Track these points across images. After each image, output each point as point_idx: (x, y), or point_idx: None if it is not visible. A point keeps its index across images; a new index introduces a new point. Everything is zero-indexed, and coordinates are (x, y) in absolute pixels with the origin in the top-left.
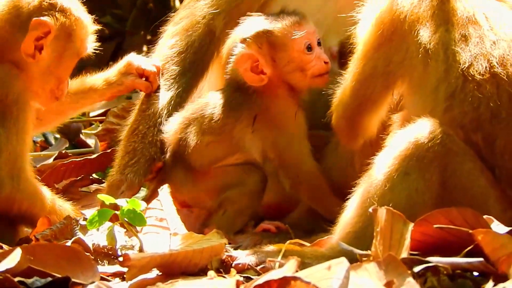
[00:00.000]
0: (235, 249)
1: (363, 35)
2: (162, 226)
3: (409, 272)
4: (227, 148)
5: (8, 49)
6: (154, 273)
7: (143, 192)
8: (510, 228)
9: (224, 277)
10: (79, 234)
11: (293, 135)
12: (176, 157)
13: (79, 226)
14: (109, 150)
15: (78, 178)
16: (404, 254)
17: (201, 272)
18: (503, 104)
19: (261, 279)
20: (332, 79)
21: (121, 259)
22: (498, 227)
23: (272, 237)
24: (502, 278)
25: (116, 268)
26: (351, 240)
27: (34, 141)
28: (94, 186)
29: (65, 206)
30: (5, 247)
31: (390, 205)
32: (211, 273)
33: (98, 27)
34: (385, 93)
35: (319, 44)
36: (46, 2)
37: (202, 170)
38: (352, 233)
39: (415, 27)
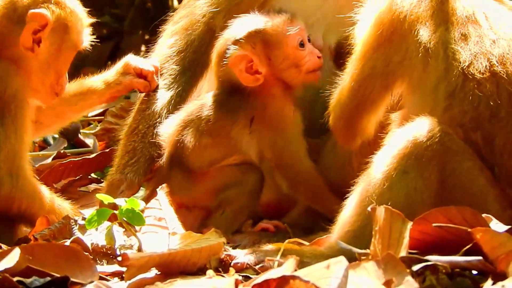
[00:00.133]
0: (234, 248)
1: (362, 35)
2: (161, 225)
3: (408, 270)
4: (225, 150)
5: (6, 45)
6: (153, 272)
7: (142, 192)
8: (509, 227)
9: (223, 276)
10: (78, 234)
11: (290, 135)
12: (173, 160)
13: (77, 226)
14: (107, 150)
15: (76, 178)
16: (403, 253)
17: (200, 271)
18: (503, 103)
19: (260, 278)
20: (332, 78)
21: (120, 258)
22: (497, 226)
23: (270, 236)
24: (501, 276)
25: (115, 267)
26: (350, 239)
27: (33, 141)
28: (93, 186)
29: (64, 206)
30: (4, 247)
31: (389, 204)
32: (210, 272)
33: (93, 19)
34: (384, 94)
35: (309, 40)
36: None
37: (200, 172)
38: (351, 232)
39: (415, 27)
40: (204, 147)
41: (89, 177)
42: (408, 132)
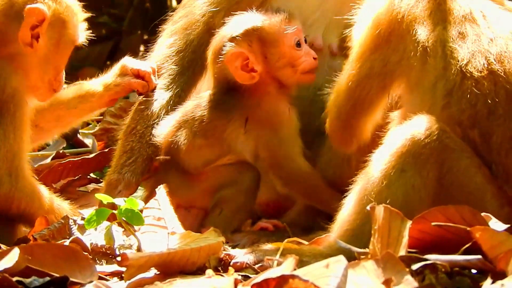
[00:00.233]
0: (233, 247)
1: (359, 36)
2: (160, 225)
3: (407, 269)
4: (219, 150)
5: (4, 42)
6: (152, 272)
7: (140, 192)
8: (508, 226)
9: (222, 275)
10: (77, 234)
11: (285, 134)
12: (169, 161)
13: (77, 226)
14: (106, 150)
15: (75, 178)
16: (402, 252)
17: (199, 270)
18: (500, 101)
19: (259, 278)
20: (331, 77)
21: (119, 258)
22: (496, 225)
23: (269, 236)
24: (500, 275)
25: (114, 267)
26: (349, 237)
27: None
28: (92, 186)
29: (63, 205)
30: (3, 247)
31: (387, 202)
32: (209, 271)
33: (89, 14)
34: (381, 94)
35: (305, 41)
36: None
37: (195, 172)
38: (350, 231)
39: (413, 27)
40: (198, 147)
41: (88, 177)
42: (406, 130)
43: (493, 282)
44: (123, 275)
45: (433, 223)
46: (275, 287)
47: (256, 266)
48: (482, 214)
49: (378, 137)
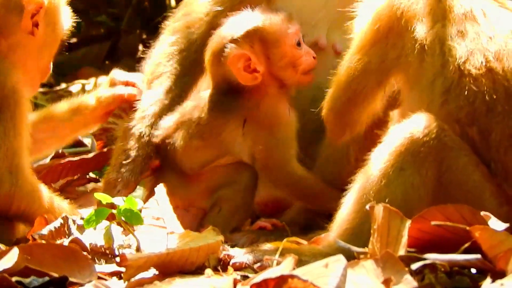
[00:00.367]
0: (232, 247)
1: (359, 30)
2: (159, 225)
3: (407, 269)
4: (216, 152)
5: (5, 35)
6: (151, 272)
7: (139, 191)
8: (507, 225)
9: (221, 275)
10: (76, 234)
11: (282, 136)
12: (166, 162)
13: (76, 226)
14: (105, 149)
15: (75, 178)
16: (402, 251)
17: (199, 270)
18: (499, 98)
19: (258, 277)
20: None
21: (118, 258)
22: (496, 224)
23: (268, 235)
24: (500, 274)
25: (113, 267)
26: (348, 237)
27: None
28: (91, 185)
29: (62, 205)
30: (2, 246)
31: (386, 201)
32: (208, 271)
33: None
34: (377, 90)
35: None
36: None
37: (192, 173)
38: (349, 230)
39: (412, 24)
40: (195, 149)
41: (87, 176)
42: (405, 128)
43: (492, 282)
44: (122, 275)
45: (432, 223)
46: (274, 286)
47: (255, 266)
48: (482, 213)
49: (377, 135)
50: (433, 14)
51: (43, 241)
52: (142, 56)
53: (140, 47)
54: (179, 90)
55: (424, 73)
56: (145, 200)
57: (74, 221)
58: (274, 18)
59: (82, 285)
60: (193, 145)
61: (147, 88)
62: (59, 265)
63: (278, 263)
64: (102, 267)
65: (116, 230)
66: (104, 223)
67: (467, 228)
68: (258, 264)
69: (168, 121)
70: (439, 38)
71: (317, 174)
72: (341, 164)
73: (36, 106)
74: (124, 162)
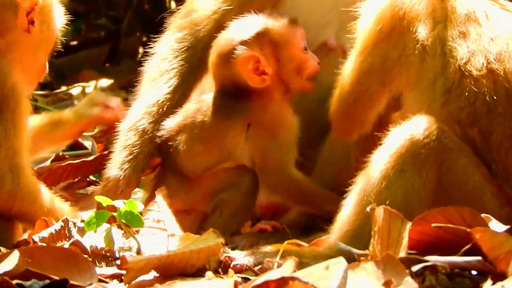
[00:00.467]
0: (233, 249)
1: (362, 31)
2: (160, 227)
3: (407, 271)
4: (218, 156)
5: (2, 33)
6: (152, 274)
7: (139, 193)
8: (508, 227)
9: (222, 277)
10: (77, 236)
11: (283, 141)
12: (167, 164)
13: (76, 228)
14: (106, 152)
15: (75, 180)
16: (402, 253)
17: (199, 272)
18: (500, 99)
19: (259, 280)
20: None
21: (118, 261)
22: (496, 226)
23: (269, 237)
24: (501, 276)
25: (114, 270)
26: (349, 239)
27: None
28: (91, 188)
29: (63, 206)
30: (3, 249)
31: (387, 203)
32: (209, 273)
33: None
34: (381, 90)
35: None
36: None
37: (193, 177)
38: (350, 232)
39: (414, 24)
40: (197, 153)
41: (88, 179)
42: (405, 130)
43: (493, 283)
44: (123, 277)
45: (433, 224)
46: None
47: (256, 268)
48: (482, 215)
49: (378, 137)
50: (435, 15)
51: (44, 244)
52: (142, 58)
53: (140, 50)
54: (185, 88)
55: (425, 74)
56: (146, 202)
57: (74, 224)
58: (283, 21)
59: (82, 287)
60: (196, 149)
61: (151, 83)
62: (60, 268)
63: (279, 265)
64: (103, 269)
65: (117, 232)
66: (105, 225)
67: (468, 230)
68: (259, 266)
69: (170, 123)
70: (441, 38)
71: (318, 175)
72: (341, 165)
73: (37, 108)
74: (126, 159)
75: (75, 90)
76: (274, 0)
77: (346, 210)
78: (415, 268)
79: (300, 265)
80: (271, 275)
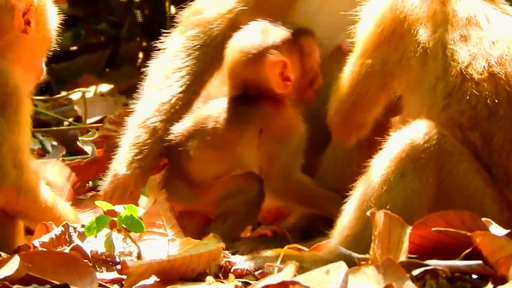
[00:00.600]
0: (233, 254)
1: (362, 33)
2: (160, 232)
3: (408, 275)
4: (229, 164)
5: (5, 32)
6: (152, 279)
7: (143, 199)
8: (508, 231)
9: (222, 282)
10: (77, 241)
11: (291, 147)
12: (175, 169)
13: (77, 233)
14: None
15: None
16: (403, 257)
17: (200, 277)
18: (501, 103)
19: (260, 284)
20: None
21: (119, 266)
22: (497, 230)
23: (270, 242)
24: (501, 280)
25: (114, 275)
26: (350, 243)
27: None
28: (89, 193)
29: (65, 205)
30: (3, 254)
31: (387, 207)
32: (210, 278)
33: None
34: (381, 93)
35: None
36: None
37: (203, 185)
38: (350, 236)
39: (415, 27)
40: (209, 160)
41: (87, 184)
42: (405, 135)
43: (494, 287)
44: (123, 282)
45: (433, 229)
46: None
47: (256, 273)
48: (483, 219)
49: (379, 142)
50: (436, 18)
51: (44, 249)
52: (142, 63)
53: (140, 55)
54: (197, 87)
55: (426, 77)
56: (147, 207)
57: (75, 229)
58: (307, 31)
59: None
60: (208, 156)
61: (162, 79)
62: (60, 273)
63: (279, 270)
64: (103, 274)
65: (117, 237)
66: (105, 230)
67: (468, 234)
68: (259, 271)
69: (180, 128)
70: (442, 42)
71: (320, 181)
72: (344, 171)
73: (37, 113)
74: (136, 158)
75: (75, 95)
76: (289, 3)
77: (347, 215)
78: (415, 272)
79: (301, 270)
80: (272, 279)
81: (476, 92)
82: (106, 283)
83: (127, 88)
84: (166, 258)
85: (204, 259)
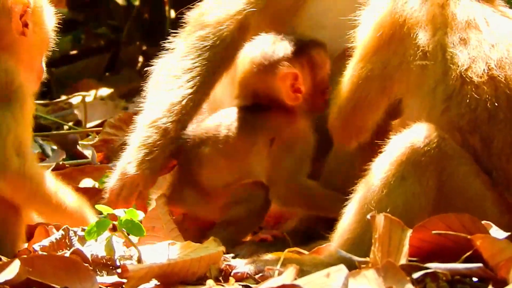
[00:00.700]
0: (234, 258)
1: (362, 37)
2: (160, 236)
3: (408, 278)
4: (238, 172)
5: (3, 35)
6: (153, 283)
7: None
8: (508, 233)
9: (222, 286)
10: (77, 245)
11: (299, 155)
12: (184, 174)
13: (77, 237)
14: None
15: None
16: (403, 260)
17: (200, 280)
18: (501, 106)
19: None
20: None
21: (119, 270)
22: (497, 232)
23: (270, 246)
24: (502, 283)
25: (115, 278)
26: (350, 246)
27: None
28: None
29: (70, 192)
30: (4, 258)
31: (388, 210)
32: (210, 282)
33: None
34: (381, 97)
35: None
36: None
37: (212, 191)
38: (351, 240)
39: (414, 30)
40: (221, 168)
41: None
42: (405, 138)
43: None
44: (123, 286)
45: (433, 232)
46: None
47: (257, 276)
48: (483, 222)
49: (379, 145)
50: (436, 21)
51: (44, 253)
52: (142, 67)
53: (140, 59)
54: (207, 88)
55: (426, 80)
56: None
57: (75, 233)
58: (318, 43)
59: None
60: (219, 164)
61: (171, 78)
62: (61, 277)
63: (280, 273)
64: (104, 278)
65: (118, 241)
66: (105, 234)
67: (468, 237)
68: (260, 274)
69: (191, 133)
70: (441, 45)
71: (323, 185)
72: (346, 175)
73: (37, 117)
74: (146, 158)
75: (75, 99)
76: (298, 5)
77: (347, 218)
78: (416, 275)
79: (301, 273)
80: (272, 283)
81: (475, 95)
82: (107, 287)
83: (127, 92)
84: (166, 261)
85: (204, 262)
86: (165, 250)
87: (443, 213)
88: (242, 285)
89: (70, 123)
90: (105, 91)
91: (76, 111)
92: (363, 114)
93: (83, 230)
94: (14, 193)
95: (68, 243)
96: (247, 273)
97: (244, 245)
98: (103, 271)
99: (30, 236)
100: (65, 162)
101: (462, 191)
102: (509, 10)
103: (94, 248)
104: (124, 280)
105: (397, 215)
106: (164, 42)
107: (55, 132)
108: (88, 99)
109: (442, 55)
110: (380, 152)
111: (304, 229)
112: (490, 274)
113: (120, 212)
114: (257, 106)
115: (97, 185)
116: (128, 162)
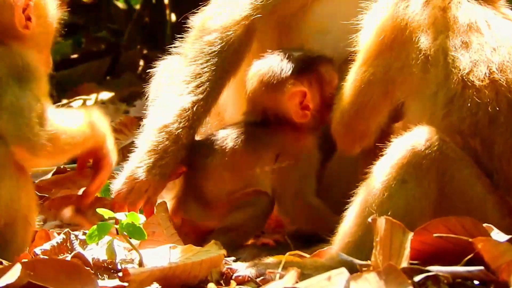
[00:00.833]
0: (235, 261)
1: (364, 42)
2: (162, 239)
3: (409, 281)
4: (242, 184)
5: (7, 27)
6: (154, 286)
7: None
8: (510, 236)
9: None
10: (79, 249)
11: (305, 171)
12: (189, 183)
13: (78, 241)
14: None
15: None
16: (404, 263)
17: (201, 284)
18: (502, 109)
19: None
20: None
21: (120, 273)
22: (498, 235)
23: (271, 249)
24: (503, 286)
25: (116, 282)
26: (351, 249)
27: None
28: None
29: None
30: (5, 262)
31: (389, 213)
32: (211, 285)
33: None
34: (383, 101)
35: None
36: None
37: (216, 201)
38: (352, 243)
39: (416, 34)
40: (226, 180)
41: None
42: (407, 141)
43: None
44: None
45: (434, 235)
46: None
47: (258, 280)
48: (484, 225)
49: (380, 148)
50: (437, 25)
51: (46, 257)
52: (143, 71)
53: (141, 62)
54: (216, 93)
55: (427, 84)
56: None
57: (76, 236)
58: (326, 59)
59: None
60: (224, 176)
61: (181, 83)
62: (62, 281)
63: (281, 277)
64: (105, 282)
65: (119, 245)
66: (107, 238)
67: (470, 239)
68: (261, 277)
69: (199, 143)
70: (443, 48)
71: (325, 190)
72: (349, 180)
73: None
74: (157, 163)
75: (76, 103)
76: (303, 10)
77: (348, 221)
78: (417, 278)
79: (302, 276)
80: (273, 286)
81: (477, 99)
82: None
83: (128, 95)
84: (167, 265)
85: (205, 266)
86: (166, 254)
87: (444, 216)
88: None
89: None
90: (106, 95)
91: None
92: (366, 118)
93: (84, 233)
94: (44, 161)
95: (69, 247)
96: (248, 277)
97: (245, 249)
98: (104, 275)
99: (31, 240)
100: (66, 166)
101: (463, 194)
102: (511, 12)
103: (95, 251)
104: (126, 284)
105: (398, 218)
106: (165, 46)
107: None
108: (89, 103)
109: (444, 59)
110: (381, 155)
111: (305, 232)
112: (492, 277)
113: (122, 216)
114: (265, 121)
115: None
116: (137, 166)
